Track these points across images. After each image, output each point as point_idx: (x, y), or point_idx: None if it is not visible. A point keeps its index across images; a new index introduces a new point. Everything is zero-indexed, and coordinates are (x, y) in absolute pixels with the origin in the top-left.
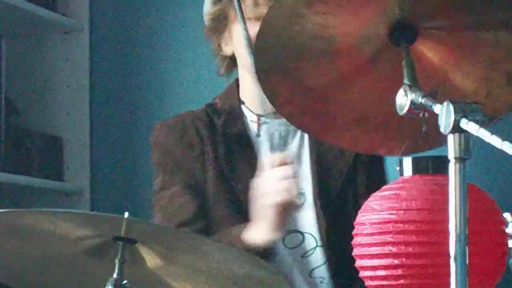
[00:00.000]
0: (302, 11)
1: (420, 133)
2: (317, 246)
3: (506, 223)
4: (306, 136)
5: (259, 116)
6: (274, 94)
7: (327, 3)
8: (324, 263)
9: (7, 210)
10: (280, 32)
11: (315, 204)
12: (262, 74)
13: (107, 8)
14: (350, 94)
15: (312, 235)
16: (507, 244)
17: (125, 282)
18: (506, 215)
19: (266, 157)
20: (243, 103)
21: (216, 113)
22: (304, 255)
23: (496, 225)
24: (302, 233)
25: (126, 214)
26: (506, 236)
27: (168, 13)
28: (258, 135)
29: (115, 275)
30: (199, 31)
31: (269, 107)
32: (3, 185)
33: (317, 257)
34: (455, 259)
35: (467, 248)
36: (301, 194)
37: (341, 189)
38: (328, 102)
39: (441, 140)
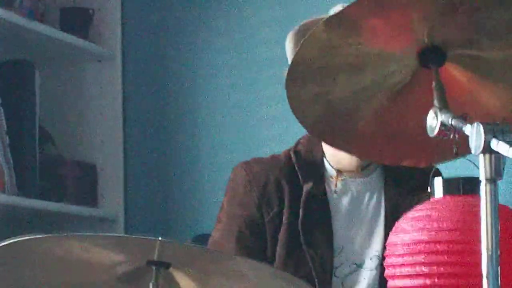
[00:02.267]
0: (336, 43)
1: (446, 145)
2: None
3: None
4: (383, 196)
5: (339, 172)
6: (305, 117)
7: (360, 35)
8: None
9: (39, 236)
10: (313, 62)
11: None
12: (294, 101)
13: (139, 36)
14: (378, 112)
15: None
16: None
17: None
18: None
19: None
20: (325, 155)
21: (300, 165)
22: None
23: None
24: None
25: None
26: None
27: (199, 41)
28: (335, 191)
29: None
30: (229, 58)
31: (346, 163)
32: (38, 212)
33: None
34: (487, 279)
35: (499, 268)
36: (374, 256)
37: None
38: (356, 119)
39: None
